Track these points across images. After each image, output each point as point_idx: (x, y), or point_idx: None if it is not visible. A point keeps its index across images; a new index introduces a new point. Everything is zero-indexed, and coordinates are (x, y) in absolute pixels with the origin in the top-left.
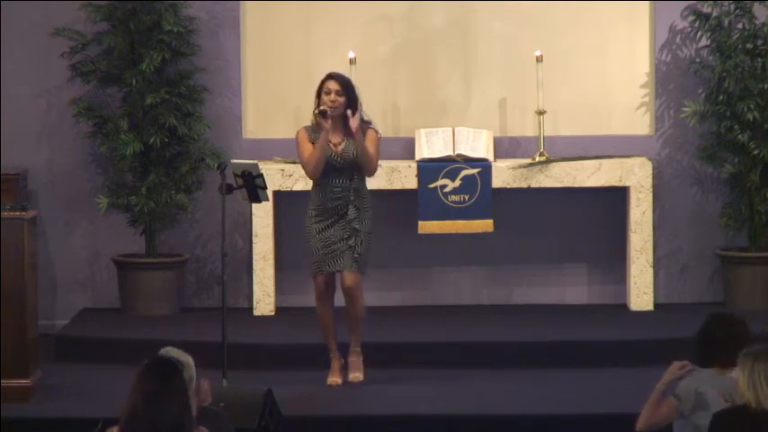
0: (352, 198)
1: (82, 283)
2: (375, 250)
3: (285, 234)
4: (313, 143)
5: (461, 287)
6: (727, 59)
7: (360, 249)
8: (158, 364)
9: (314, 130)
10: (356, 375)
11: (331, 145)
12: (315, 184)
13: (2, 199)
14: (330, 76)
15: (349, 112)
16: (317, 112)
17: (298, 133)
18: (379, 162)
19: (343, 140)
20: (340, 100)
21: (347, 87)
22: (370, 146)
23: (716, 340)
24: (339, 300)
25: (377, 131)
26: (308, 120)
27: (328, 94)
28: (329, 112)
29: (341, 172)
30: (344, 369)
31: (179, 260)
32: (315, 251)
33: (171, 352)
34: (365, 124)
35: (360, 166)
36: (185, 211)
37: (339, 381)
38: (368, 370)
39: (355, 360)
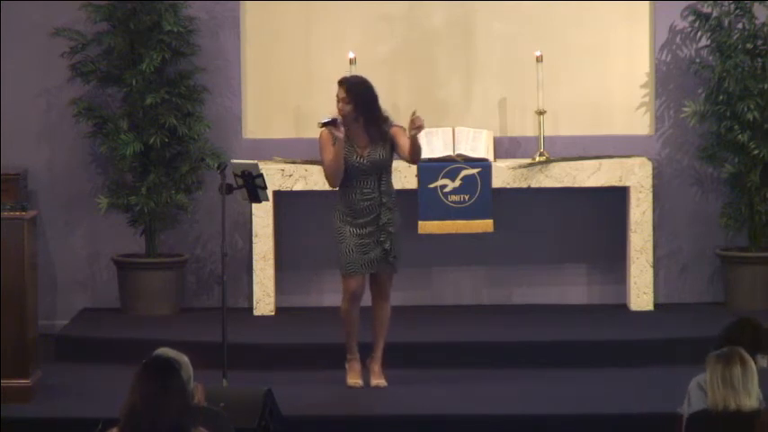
0: (383, 200)
1: (82, 283)
2: None
3: (285, 234)
4: (334, 144)
5: (461, 287)
6: (727, 59)
7: (394, 252)
8: (157, 364)
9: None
10: (380, 382)
11: (356, 149)
12: (344, 185)
13: (2, 199)
14: (339, 82)
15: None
16: (320, 125)
17: (321, 133)
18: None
19: (369, 144)
20: (347, 108)
21: (354, 93)
22: (405, 141)
23: (727, 339)
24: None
25: (400, 126)
26: (307, 119)
27: (338, 101)
28: (338, 121)
29: (368, 175)
30: (364, 371)
31: (179, 260)
32: (348, 252)
33: (167, 353)
34: (390, 124)
35: (386, 169)
36: (185, 211)
37: (361, 383)
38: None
39: (378, 367)
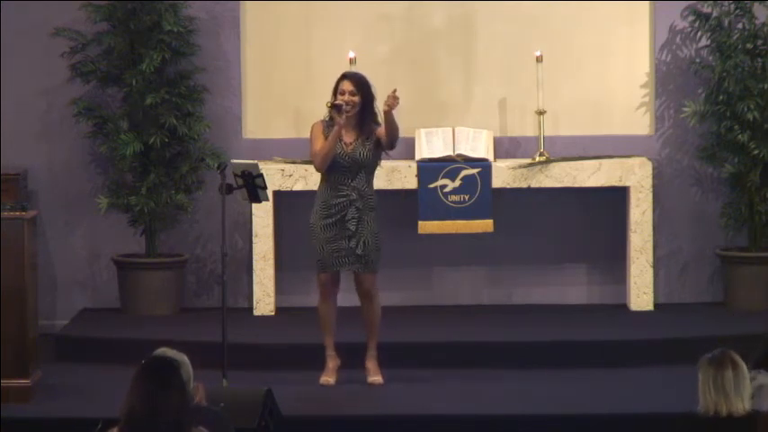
0: (354, 198)
1: (82, 283)
2: None
3: (285, 234)
4: (326, 137)
5: (461, 287)
6: (727, 59)
7: (361, 251)
8: (156, 364)
9: (329, 125)
10: (376, 379)
11: (342, 143)
12: (323, 181)
13: (2, 199)
14: (345, 76)
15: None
16: (329, 104)
17: (313, 126)
18: (380, 162)
19: (355, 141)
20: (354, 100)
21: (361, 87)
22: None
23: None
24: (351, 300)
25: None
26: (307, 119)
27: (343, 94)
28: (344, 107)
29: (347, 170)
30: (339, 370)
31: (179, 260)
32: (319, 249)
33: (167, 353)
34: (376, 125)
35: (367, 168)
36: (185, 211)
37: (332, 381)
38: None
39: (373, 364)
